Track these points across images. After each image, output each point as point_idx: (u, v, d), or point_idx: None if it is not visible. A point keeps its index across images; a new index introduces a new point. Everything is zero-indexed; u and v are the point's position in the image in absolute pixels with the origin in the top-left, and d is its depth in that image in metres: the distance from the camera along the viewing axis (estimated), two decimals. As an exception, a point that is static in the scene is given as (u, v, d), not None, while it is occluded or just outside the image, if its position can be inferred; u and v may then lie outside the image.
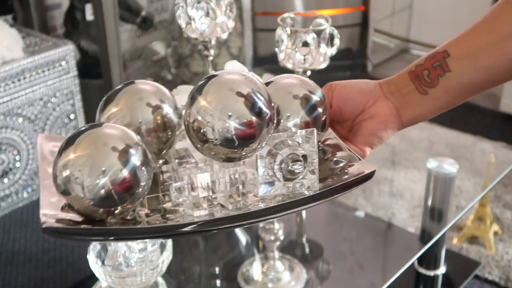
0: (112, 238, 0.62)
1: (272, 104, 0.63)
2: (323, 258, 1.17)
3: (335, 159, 0.69)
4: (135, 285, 0.91)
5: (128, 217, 0.63)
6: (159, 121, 0.68)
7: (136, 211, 0.64)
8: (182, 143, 0.72)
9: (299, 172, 0.63)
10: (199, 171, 0.64)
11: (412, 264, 1.40)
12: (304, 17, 1.11)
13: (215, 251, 1.19)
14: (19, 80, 1.84)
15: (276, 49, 1.06)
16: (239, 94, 0.61)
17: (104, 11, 2.12)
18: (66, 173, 0.58)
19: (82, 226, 0.59)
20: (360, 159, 0.67)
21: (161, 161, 0.71)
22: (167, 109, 0.69)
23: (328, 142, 0.71)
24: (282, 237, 1.08)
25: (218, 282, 1.12)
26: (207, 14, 1.10)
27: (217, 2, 1.10)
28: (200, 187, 0.64)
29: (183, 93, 0.99)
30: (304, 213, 1.29)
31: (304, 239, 1.23)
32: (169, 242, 0.94)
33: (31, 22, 2.31)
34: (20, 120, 1.87)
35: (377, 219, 1.37)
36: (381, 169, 1.57)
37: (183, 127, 0.67)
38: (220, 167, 0.65)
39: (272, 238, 1.07)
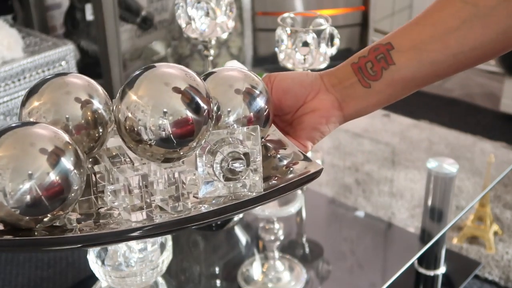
0: (40, 248, 0.55)
1: (211, 99, 0.58)
2: (323, 258, 1.17)
3: (278, 156, 0.65)
4: (135, 285, 0.91)
5: (58, 223, 0.56)
6: (89, 117, 0.61)
7: (66, 216, 0.58)
8: (115, 141, 0.65)
9: (240, 171, 0.59)
10: (135, 172, 0.58)
11: (412, 264, 1.40)
12: (304, 17, 1.11)
13: (215, 251, 1.19)
14: (19, 80, 1.84)
15: (276, 49, 1.06)
16: (175, 89, 0.55)
17: (104, 11, 2.12)
18: None
19: (5, 236, 0.52)
20: (305, 157, 0.63)
21: (91, 160, 0.64)
22: (97, 105, 0.62)
23: (271, 138, 0.67)
24: (282, 237, 1.09)
25: (218, 282, 1.12)
26: (207, 14, 1.10)
27: (217, 2, 1.10)
28: (137, 188, 0.57)
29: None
30: (304, 213, 1.29)
31: (304, 239, 1.23)
32: (169, 242, 0.94)
33: (31, 22, 2.31)
34: (20, 120, 1.87)
35: (377, 219, 1.37)
36: (381, 169, 1.58)
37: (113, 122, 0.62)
38: (157, 166, 0.60)
39: (272, 238, 1.07)
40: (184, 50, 2.74)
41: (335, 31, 1.04)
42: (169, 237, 0.94)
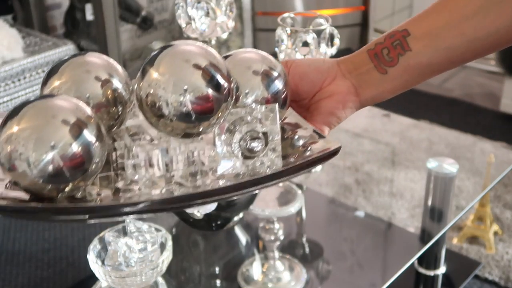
0: (63, 216, 0.56)
1: (231, 78, 0.59)
2: (323, 258, 1.17)
3: (297, 136, 0.65)
4: (135, 285, 0.91)
5: (79, 196, 0.57)
6: (109, 96, 0.62)
7: (87, 190, 0.59)
8: (133, 122, 0.66)
9: (259, 150, 0.59)
10: (155, 148, 0.59)
11: (412, 264, 1.40)
12: (304, 17, 1.11)
13: (215, 251, 1.19)
14: (19, 80, 1.84)
15: (276, 49, 1.06)
16: (196, 66, 0.56)
17: (104, 11, 2.12)
18: (9, 148, 0.53)
19: (31, 204, 0.54)
20: (323, 137, 0.63)
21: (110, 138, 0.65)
22: (117, 84, 0.63)
23: (289, 120, 0.67)
24: (282, 237, 1.09)
25: (218, 282, 1.12)
26: (207, 14, 1.10)
27: (217, 2, 1.10)
28: (157, 164, 0.59)
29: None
30: (304, 213, 1.29)
31: (304, 239, 1.23)
32: (169, 242, 0.94)
33: (31, 22, 2.31)
34: (20, 120, 1.87)
35: (377, 219, 1.37)
36: (381, 169, 1.58)
37: (134, 103, 0.62)
38: (177, 143, 0.60)
39: (272, 238, 1.07)
40: (184, 50, 2.74)
41: (335, 31, 1.04)
42: (169, 237, 0.94)
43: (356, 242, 1.23)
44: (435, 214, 1.30)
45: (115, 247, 0.92)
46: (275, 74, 0.64)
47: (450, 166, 1.26)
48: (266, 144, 0.60)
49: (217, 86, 0.57)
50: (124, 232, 0.96)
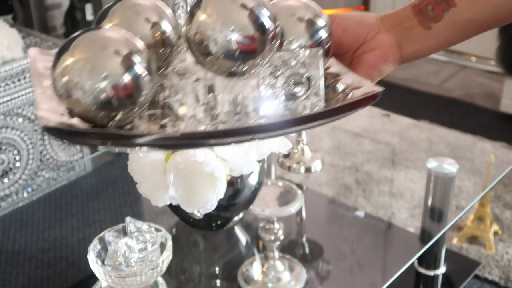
0: (112, 142, 0.58)
1: (277, 20, 0.60)
2: (323, 258, 1.17)
3: (339, 83, 0.65)
4: (135, 285, 0.91)
5: (128, 127, 0.61)
6: (158, 37, 0.64)
7: (135, 124, 0.61)
8: (181, 64, 0.68)
9: (301, 95, 0.60)
10: (202, 86, 0.62)
11: (412, 264, 1.40)
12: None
13: (215, 251, 1.20)
14: (19, 80, 1.84)
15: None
16: (243, 6, 0.58)
17: (104, 11, 2.12)
18: (65, 78, 0.56)
19: (83, 128, 0.57)
20: (366, 82, 0.63)
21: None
22: (166, 26, 0.65)
23: (332, 69, 0.67)
24: (282, 237, 1.09)
25: (218, 282, 1.12)
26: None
27: (217, 2, 1.10)
28: (202, 102, 0.61)
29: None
30: (304, 213, 1.29)
31: (304, 239, 1.23)
32: (169, 242, 0.94)
33: (31, 22, 2.31)
34: (20, 120, 1.87)
35: (377, 219, 1.37)
36: (381, 169, 1.58)
37: (182, 45, 0.64)
38: (222, 84, 0.63)
39: (272, 238, 1.07)
40: (184, 50, 2.74)
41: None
42: (169, 237, 0.94)
43: (356, 242, 1.23)
44: (435, 214, 1.30)
45: (115, 247, 0.92)
46: (320, 22, 0.65)
47: (450, 166, 1.26)
48: (309, 88, 0.60)
49: (262, 27, 0.59)
50: (124, 232, 0.96)
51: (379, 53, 0.67)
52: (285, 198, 1.14)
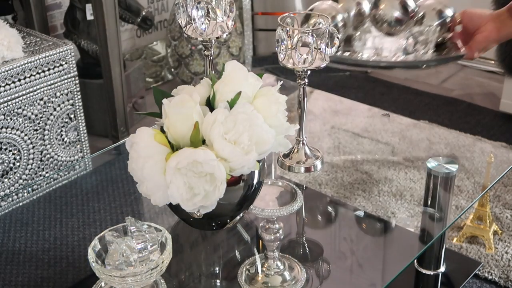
0: None
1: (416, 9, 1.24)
2: (323, 258, 1.18)
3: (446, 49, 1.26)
4: (135, 285, 0.91)
5: None
6: None
7: None
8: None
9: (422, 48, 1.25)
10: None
11: (412, 264, 1.40)
12: (304, 17, 1.11)
13: (215, 251, 1.20)
14: (19, 80, 1.84)
15: (276, 49, 1.06)
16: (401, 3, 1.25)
17: (105, 11, 2.12)
18: None
19: None
20: (461, 51, 1.23)
21: None
22: None
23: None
24: (282, 237, 1.09)
25: (218, 281, 1.12)
26: (207, 14, 1.10)
27: (217, 2, 1.10)
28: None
29: (183, 93, 0.99)
30: (304, 213, 1.29)
31: (304, 239, 1.23)
32: (169, 242, 0.94)
33: (31, 22, 2.31)
34: (20, 120, 1.87)
35: (377, 219, 1.37)
36: (381, 169, 1.58)
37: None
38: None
39: (272, 238, 1.07)
40: (184, 50, 2.74)
41: (335, 31, 1.04)
42: (169, 237, 0.94)
43: (356, 242, 1.23)
44: (435, 214, 1.30)
45: (115, 247, 0.93)
46: (446, 12, 1.25)
47: (449, 166, 1.27)
48: (425, 45, 1.26)
49: (406, 11, 1.24)
50: (124, 232, 0.96)
51: (485, 35, 1.18)
52: (285, 198, 1.14)
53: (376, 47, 1.28)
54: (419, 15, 1.26)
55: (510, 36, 1.17)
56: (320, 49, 1.04)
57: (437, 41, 1.27)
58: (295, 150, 1.15)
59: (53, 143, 1.97)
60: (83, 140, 2.06)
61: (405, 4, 1.24)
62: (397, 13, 1.24)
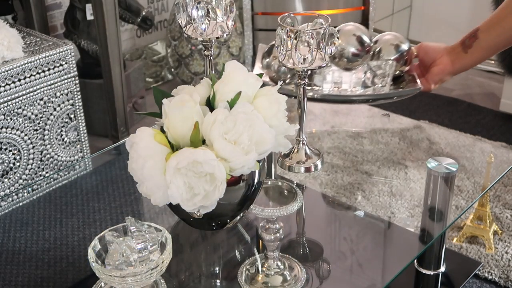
0: None
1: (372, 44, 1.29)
2: (323, 258, 1.18)
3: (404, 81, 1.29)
4: (135, 285, 0.91)
5: None
6: None
7: None
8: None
9: (380, 82, 1.27)
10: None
11: (412, 264, 1.40)
12: (304, 17, 1.11)
13: (215, 251, 1.20)
14: (19, 80, 1.84)
15: (276, 49, 1.06)
16: (355, 36, 1.29)
17: (105, 11, 2.12)
18: None
19: None
20: (417, 85, 1.27)
21: None
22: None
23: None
24: (282, 237, 1.09)
25: (218, 281, 1.12)
26: (207, 14, 1.10)
27: (217, 2, 1.10)
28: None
29: (183, 93, 0.99)
30: (304, 213, 1.29)
31: (304, 239, 1.23)
32: (169, 242, 0.94)
33: (32, 22, 2.31)
34: (20, 120, 1.87)
35: (377, 219, 1.37)
36: (381, 169, 1.58)
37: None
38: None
39: (272, 238, 1.07)
40: (184, 50, 2.74)
41: (335, 31, 1.04)
42: (169, 237, 0.94)
43: (356, 242, 1.23)
44: (435, 214, 1.30)
45: (115, 246, 0.93)
46: (403, 47, 1.30)
47: (449, 166, 1.26)
48: (383, 80, 1.24)
49: (362, 45, 1.28)
50: (124, 232, 0.96)
51: (441, 67, 1.22)
52: (285, 198, 1.14)
53: (336, 81, 1.32)
54: (377, 49, 1.31)
55: (464, 68, 1.22)
56: (320, 49, 1.04)
57: (394, 74, 1.29)
58: (295, 150, 1.15)
59: (53, 143, 1.97)
60: (83, 140, 2.06)
61: (361, 39, 1.29)
62: (353, 49, 1.29)
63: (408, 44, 1.28)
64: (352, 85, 1.23)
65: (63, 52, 1.93)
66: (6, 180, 1.87)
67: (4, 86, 1.80)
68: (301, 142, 1.15)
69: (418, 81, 1.27)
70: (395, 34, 1.30)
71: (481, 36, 1.17)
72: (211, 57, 1.18)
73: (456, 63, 1.20)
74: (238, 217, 1.06)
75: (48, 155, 1.97)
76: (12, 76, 1.82)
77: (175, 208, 0.99)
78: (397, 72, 1.31)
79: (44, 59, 1.89)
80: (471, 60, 1.20)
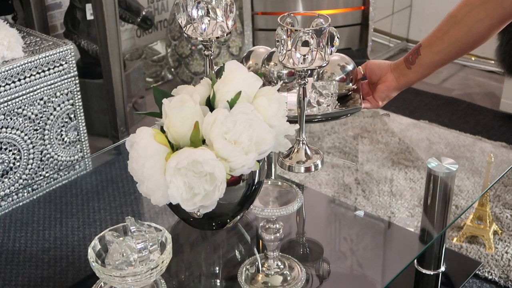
0: None
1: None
2: (323, 257, 1.18)
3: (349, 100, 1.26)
4: (135, 285, 0.91)
5: None
6: None
7: None
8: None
9: (325, 102, 1.23)
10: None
11: (412, 264, 1.40)
12: (304, 17, 1.11)
13: (215, 251, 1.20)
14: (19, 80, 1.84)
15: (276, 49, 1.06)
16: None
17: (105, 11, 2.12)
18: None
19: None
20: (358, 107, 1.25)
21: None
22: None
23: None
24: (282, 237, 1.09)
25: (218, 281, 1.12)
26: (207, 14, 1.10)
27: (217, 2, 1.10)
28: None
29: (183, 93, 0.99)
30: (304, 212, 1.29)
31: (304, 239, 1.23)
32: (169, 242, 0.94)
33: (32, 22, 2.31)
34: (20, 120, 1.87)
35: (377, 219, 1.37)
36: (381, 169, 1.58)
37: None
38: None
39: (272, 237, 1.07)
40: (184, 50, 2.74)
41: (335, 31, 1.04)
42: (169, 237, 0.94)
43: (356, 242, 1.23)
44: (435, 214, 1.30)
45: (115, 246, 0.93)
46: (348, 68, 1.27)
47: (449, 166, 1.27)
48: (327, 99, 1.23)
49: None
50: (124, 232, 0.96)
51: (387, 84, 1.22)
52: (285, 198, 1.14)
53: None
54: (323, 70, 1.28)
55: (409, 84, 1.21)
56: (320, 49, 1.04)
57: (342, 93, 1.27)
58: (295, 150, 1.15)
59: (53, 143, 1.97)
60: (83, 140, 2.06)
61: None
62: (285, 69, 1.23)
63: (353, 65, 1.26)
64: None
65: (63, 52, 1.93)
66: (6, 180, 1.87)
67: (4, 86, 1.81)
68: (301, 142, 1.15)
69: (360, 100, 1.26)
70: (341, 55, 1.27)
71: (423, 52, 1.16)
72: (211, 57, 1.18)
73: (400, 80, 1.20)
74: (238, 217, 1.06)
75: (48, 155, 1.97)
76: (12, 76, 1.82)
77: (175, 208, 0.99)
78: (344, 91, 1.28)
79: (44, 59, 1.89)
80: (414, 77, 1.20)
